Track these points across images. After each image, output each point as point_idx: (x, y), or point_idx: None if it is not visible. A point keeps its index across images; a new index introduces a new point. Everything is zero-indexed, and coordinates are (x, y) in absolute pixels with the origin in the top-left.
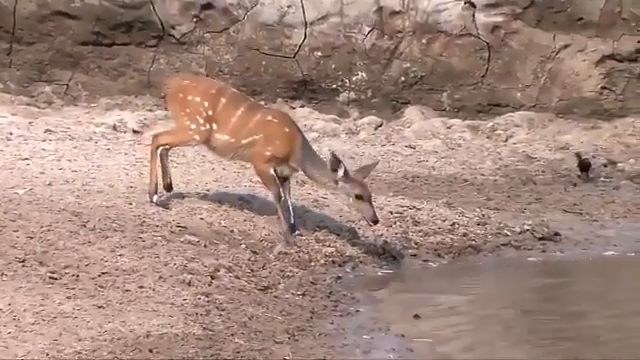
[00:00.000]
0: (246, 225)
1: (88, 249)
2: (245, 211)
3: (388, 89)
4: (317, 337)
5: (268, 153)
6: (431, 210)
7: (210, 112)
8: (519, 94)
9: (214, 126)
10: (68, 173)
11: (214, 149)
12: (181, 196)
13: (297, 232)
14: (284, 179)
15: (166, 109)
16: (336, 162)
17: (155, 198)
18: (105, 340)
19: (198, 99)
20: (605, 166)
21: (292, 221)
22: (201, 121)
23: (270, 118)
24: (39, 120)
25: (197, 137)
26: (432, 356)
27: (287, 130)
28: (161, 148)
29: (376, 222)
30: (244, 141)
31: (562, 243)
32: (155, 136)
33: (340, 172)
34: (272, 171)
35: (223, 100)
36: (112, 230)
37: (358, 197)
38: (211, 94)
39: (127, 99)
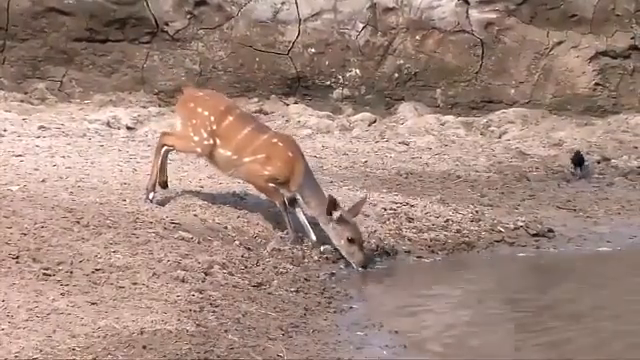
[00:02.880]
0: (240, 222)
1: (82, 245)
2: (239, 208)
3: (382, 85)
4: (311, 334)
5: (267, 173)
6: (425, 207)
7: (214, 127)
8: (513, 91)
9: (217, 141)
10: (62, 169)
11: (216, 164)
12: (175, 193)
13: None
14: (294, 200)
15: (160, 105)
16: (333, 206)
17: (151, 195)
18: (99, 337)
19: (206, 113)
20: (599, 163)
21: (314, 238)
22: (205, 135)
23: (275, 141)
24: (33, 117)
25: (199, 149)
26: (426, 352)
27: (290, 154)
28: (166, 147)
29: (365, 267)
30: (246, 159)
31: (556, 239)
32: (163, 134)
33: (335, 215)
34: (272, 185)
35: (230, 118)
36: (106, 227)
37: (350, 240)
38: (219, 110)
39: (121, 95)
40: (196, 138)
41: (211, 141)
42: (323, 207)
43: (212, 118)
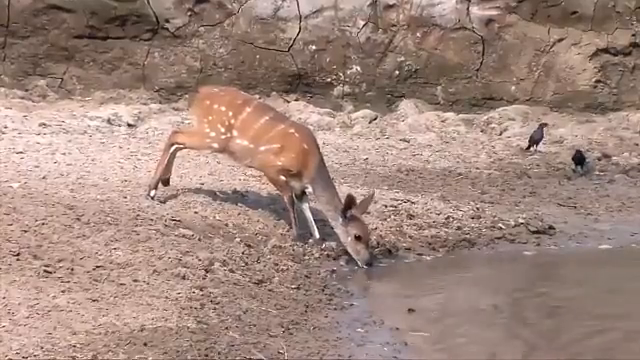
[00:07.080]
0: (240, 219)
1: (82, 243)
2: (239, 205)
3: (382, 83)
4: (311, 331)
5: (279, 163)
6: (425, 204)
7: (232, 121)
8: (513, 88)
9: (234, 133)
10: (62, 167)
11: (232, 154)
12: (176, 190)
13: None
14: (302, 193)
15: (161, 102)
16: (350, 204)
17: (152, 193)
18: (99, 334)
19: (223, 108)
20: (599, 160)
21: (317, 235)
22: (222, 130)
23: (292, 131)
24: (33, 114)
25: (215, 145)
26: (426, 350)
27: (305, 146)
28: (176, 146)
29: (370, 265)
30: (262, 148)
31: (556, 237)
32: (174, 133)
33: (349, 213)
34: (283, 177)
35: (248, 109)
36: (106, 224)
37: (357, 238)
38: (237, 104)
39: (121, 93)
40: (212, 134)
41: (228, 135)
42: (333, 203)
43: (230, 113)
